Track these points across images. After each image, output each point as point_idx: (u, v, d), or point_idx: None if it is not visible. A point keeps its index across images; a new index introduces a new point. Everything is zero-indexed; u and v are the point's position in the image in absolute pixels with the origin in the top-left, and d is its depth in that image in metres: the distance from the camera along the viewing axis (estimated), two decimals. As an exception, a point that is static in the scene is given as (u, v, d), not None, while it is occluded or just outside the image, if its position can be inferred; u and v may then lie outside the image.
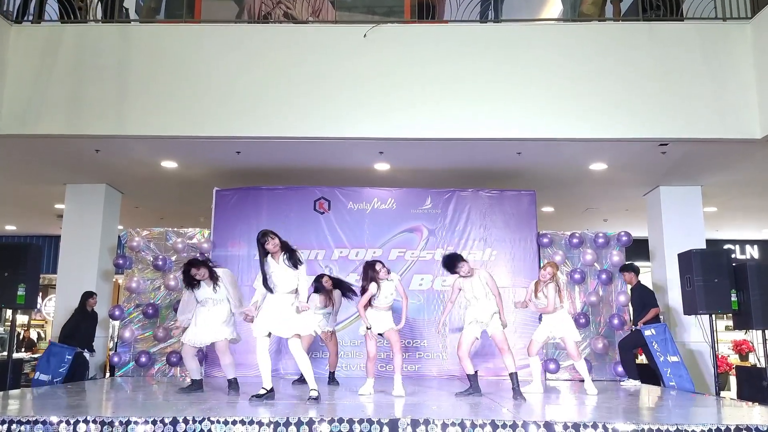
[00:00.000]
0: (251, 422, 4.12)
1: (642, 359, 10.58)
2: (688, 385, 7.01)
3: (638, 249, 9.60)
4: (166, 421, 4.10)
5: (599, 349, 8.11)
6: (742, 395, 7.50)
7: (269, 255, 5.59)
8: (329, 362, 7.26)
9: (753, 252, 13.99)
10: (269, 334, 5.56)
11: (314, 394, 5.34)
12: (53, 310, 9.99)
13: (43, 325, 15.31)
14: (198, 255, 8.21)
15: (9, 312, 7.83)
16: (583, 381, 6.62)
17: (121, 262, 8.58)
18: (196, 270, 6.04)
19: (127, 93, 7.19)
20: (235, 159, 8.17)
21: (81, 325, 8.15)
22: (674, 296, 8.31)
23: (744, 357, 11.09)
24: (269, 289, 5.55)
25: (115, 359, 8.12)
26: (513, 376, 5.84)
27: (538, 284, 6.60)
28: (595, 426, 4.09)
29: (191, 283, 6.05)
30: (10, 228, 13.21)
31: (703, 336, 7.20)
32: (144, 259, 8.53)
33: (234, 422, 4.11)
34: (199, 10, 8.05)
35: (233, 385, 6.05)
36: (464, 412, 4.90)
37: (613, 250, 8.53)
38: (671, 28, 7.34)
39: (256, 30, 7.70)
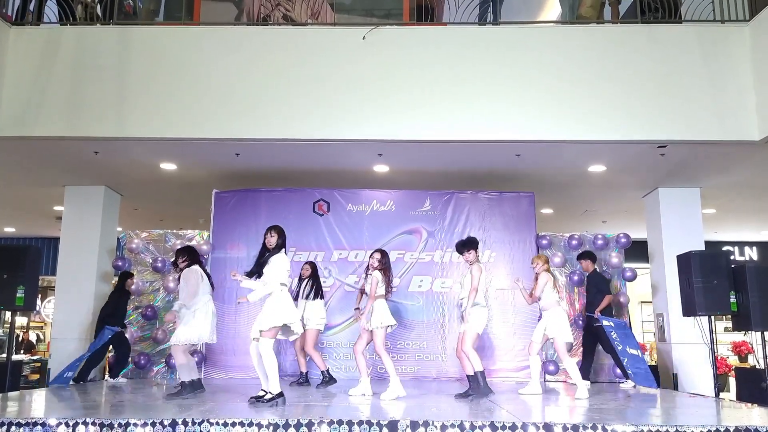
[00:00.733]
0: (250, 424, 4.12)
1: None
2: (645, 380, 7.12)
3: (637, 251, 9.61)
4: (165, 423, 4.11)
5: (598, 350, 8.10)
6: (741, 397, 7.50)
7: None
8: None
9: (752, 254, 14.00)
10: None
11: (268, 396, 5.28)
12: (52, 312, 9.98)
13: (42, 326, 15.29)
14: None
15: (8, 314, 7.83)
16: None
17: (120, 263, 8.59)
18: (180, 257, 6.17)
19: (127, 95, 7.19)
20: (235, 161, 8.17)
21: (118, 305, 8.09)
22: (673, 298, 8.31)
23: (743, 358, 11.09)
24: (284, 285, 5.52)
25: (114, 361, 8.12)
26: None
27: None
28: (594, 427, 4.09)
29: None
30: (9, 230, 13.20)
31: (702, 337, 7.21)
32: (143, 261, 8.53)
33: (233, 424, 4.12)
34: (198, 12, 8.05)
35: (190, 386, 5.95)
36: (463, 413, 4.91)
37: (613, 252, 8.55)
38: (670, 31, 7.34)
39: (255, 32, 7.71)
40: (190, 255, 6.24)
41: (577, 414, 5.15)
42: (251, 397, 5.41)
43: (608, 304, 7.74)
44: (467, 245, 6.27)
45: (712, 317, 7.17)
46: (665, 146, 7.36)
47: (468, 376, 6.13)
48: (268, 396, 5.27)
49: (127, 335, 8.17)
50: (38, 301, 10.42)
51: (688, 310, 7.22)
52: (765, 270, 7.02)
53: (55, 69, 7.22)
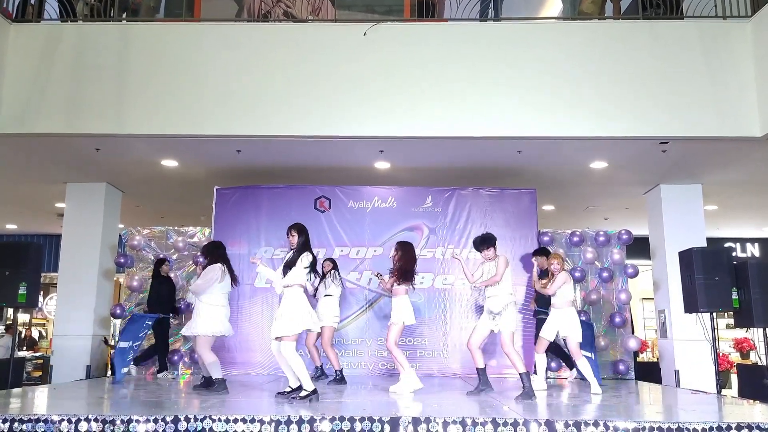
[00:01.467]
0: (252, 420, 4.13)
1: (642, 357, 10.59)
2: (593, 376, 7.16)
3: (639, 247, 9.60)
4: (168, 419, 4.11)
5: (601, 347, 8.11)
6: (743, 393, 7.50)
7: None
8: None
9: (754, 250, 13.98)
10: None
11: (303, 393, 5.33)
12: (54, 309, 10.00)
13: (44, 323, 15.31)
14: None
15: (10, 311, 7.84)
16: (583, 379, 6.63)
17: (122, 260, 8.60)
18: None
19: (127, 92, 7.18)
20: (236, 158, 8.17)
21: (159, 291, 8.04)
22: (675, 294, 8.30)
23: (745, 355, 11.09)
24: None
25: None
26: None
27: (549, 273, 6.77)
28: (596, 424, 4.09)
29: None
30: (11, 227, 13.21)
31: (704, 334, 7.20)
32: (145, 258, 8.54)
33: (235, 420, 4.12)
34: (198, 9, 8.05)
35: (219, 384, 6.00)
36: (465, 410, 4.91)
37: (614, 249, 8.54)
38: (671, 27, 7.33)
39: (255, 29, 7.69)
40: (210, 252, 6.33)
41: (579, 411, 5.15)
42: (278, 393, 5.49)
43: None
44: (485, 242, 6.14)
45: (714, 314, 7.15)
46: (667, 143, 7.35)
47: (477, 369, 6.11)
48: (303, 393, 5.29)
49: (174, 321, 8.14)
50: (40, 298, 10.41)
51: (690, 306, 7.21)
52: (767, 266, 7.01)
53: (56, 66, 7.21)
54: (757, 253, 13.90)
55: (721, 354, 9.27)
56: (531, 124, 7.13)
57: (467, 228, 8.46)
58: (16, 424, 4.08)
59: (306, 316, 5.42)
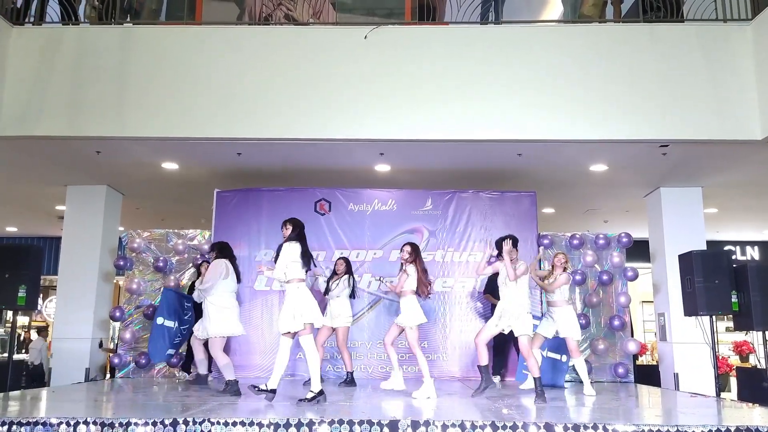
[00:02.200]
0: (251, 423, 4.12)
1: (641, 360, 10.58)
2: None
3: (639, 250, 9.60)
4: (167, 422, 4.11)
5: (600, 350, 8.11)
6: (742, 396, 7.49)
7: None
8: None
9: (753, 253, 13.98)
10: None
11: (310, 395, 5.32)
12: (54, 312, 10.00)
13: (46, 327, 15.28)
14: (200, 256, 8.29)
15: (10, 313, 7.84)
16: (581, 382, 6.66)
17: (122, 263, 8.59)
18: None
19: (128, 94, 7.19)
20: (236, 160, 8.18)
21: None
22: (674, 297, 8.30)
23: (744, 358, 11.10)
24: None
25: (116, 360, 8.12)
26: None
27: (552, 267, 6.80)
28: (595, 427, 4.09)
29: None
30: (11, 229, 13.21)
31: (703, 337, 7.20)
32: (145, 261, 8.54)
33: (234, 423, 4.12)
34: (199, 12, 8.06)
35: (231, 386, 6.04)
36: (464, 413, 4.90)
37: (614, 251, 8.53)
38: (672, 30, 7.33)
39: (256, 32, 7.70)
40: (220, 249, 6.54)
41: (578, 413, 5.14)
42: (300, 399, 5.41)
43: None
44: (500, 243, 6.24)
45: (714, 317, 7.15)
46: (667, 145, 7.35)
47: (480, 367, 6.13)
48: (310, 394, 5.29)
49: None
50: (40, 301, 10.41)
51: (690, 309, 7.21)
52: (766, 269, 7.01)
53: (57, 68, 7.22)
54: (756, 257, 13.89)
55: (720, 357, 9.26)
56: (531, 126, 7.13)
57: (467, 231, 8.46)
58: (14, 426, 4.07)
59: (307, 312, 5.39)
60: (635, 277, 8.40)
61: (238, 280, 6.50)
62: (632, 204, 10.16)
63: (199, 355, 6.75)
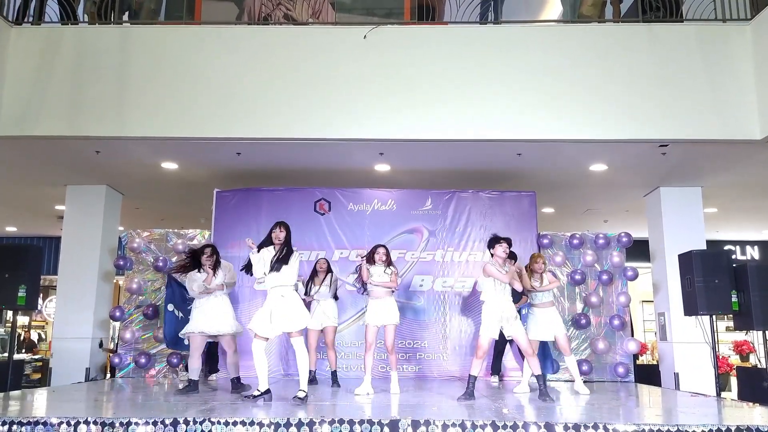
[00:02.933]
0: (251, 423, 4.12)
1: (641, 360, 10.58)
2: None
3: (639, 250, 9.61)
4: (167, 422, 4.11)
5: (600, 350, 8.12)
6: (742, 396, 7.49)
7: (271, 246, 5.69)
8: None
9: (753, 253, 13.99)
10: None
11: (301, 394, 5.37)
12: (54, 311, 10.00)
13: (43, 326, 15.30)
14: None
15: (10, 313, 7.85)
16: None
17: (121, 263, 8.59)
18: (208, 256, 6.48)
19: (128, 94, 7.19)
20: (236, 160, 8.17)
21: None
22: (674, 297, 8.30)
23: (745, 358, 11.10)
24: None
25: (116, 360, 8.13)
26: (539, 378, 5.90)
27: (532, 271, 6.78)
28: (595, 427, 4.09)
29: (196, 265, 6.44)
30: (10, 229, 13.21)
31: (703, 337, 7.20)
32: (144, 261, 8.54)
33: (234, 423, 4.12)
34: (199, 12, 8.05)
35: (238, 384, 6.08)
36: (465, 413, 4.91)
37: (614, 251, 8.54)
38: (671, 30, 7.34)
39: (256, 32, 7.70)
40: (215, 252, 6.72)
41: (579, 413, 5.14)
42: (245, 395, 5.66)
43: None
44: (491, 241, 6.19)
45: (714, 316, 7.16)
46: (666, 145, 7.35)
47: (471, 376, 6.10)
48: (256, 392, 5.46)
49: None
50: (40, 301, 10.41)
51: (690, 309, 7.22)
52: (766, 269, 7.02)
53: (56, 68, 7.22)
54: (756, 256, 13.90)
55: (720, 357, 9.26)
56: (531, 126, 7.13)
57: (467, 230, 8.47)
58: (15, 426, 4.07)
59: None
60: (635, 276, 8.40)
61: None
62: (632, 204, 10.17)
63: (194, 363, 6.42)
